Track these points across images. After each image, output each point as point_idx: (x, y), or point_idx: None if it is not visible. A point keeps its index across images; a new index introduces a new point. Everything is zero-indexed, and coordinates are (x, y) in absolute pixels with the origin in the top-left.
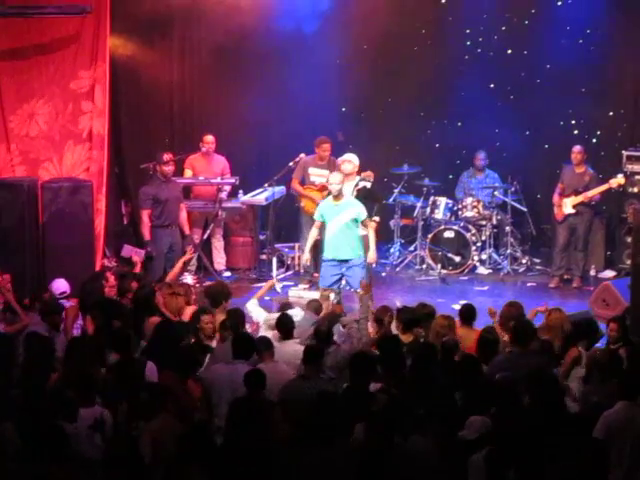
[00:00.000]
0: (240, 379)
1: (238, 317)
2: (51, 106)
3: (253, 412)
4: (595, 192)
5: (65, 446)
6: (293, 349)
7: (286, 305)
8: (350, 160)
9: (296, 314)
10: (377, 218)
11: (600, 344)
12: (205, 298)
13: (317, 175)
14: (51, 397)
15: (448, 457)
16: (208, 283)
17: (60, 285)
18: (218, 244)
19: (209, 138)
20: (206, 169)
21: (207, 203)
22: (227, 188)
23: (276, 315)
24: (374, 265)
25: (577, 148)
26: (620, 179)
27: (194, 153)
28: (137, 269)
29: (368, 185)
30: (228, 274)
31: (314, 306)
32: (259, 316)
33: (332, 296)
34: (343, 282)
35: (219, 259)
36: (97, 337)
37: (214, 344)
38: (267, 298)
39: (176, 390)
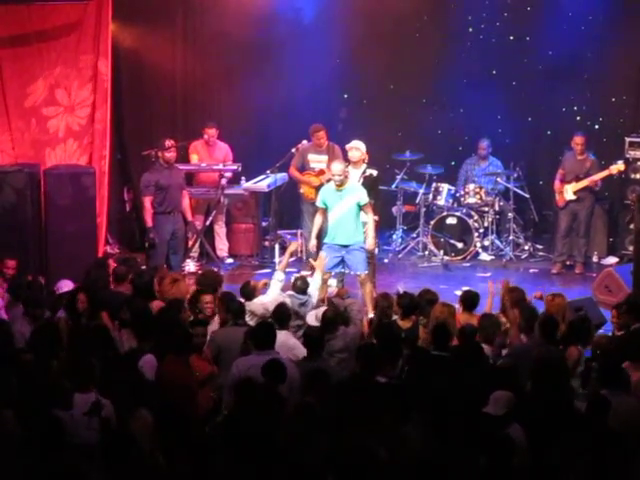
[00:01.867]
0: None
1: (241, 304)
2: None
3: (264, 398)
4: (596, 177)
5: (60, 435)
6: (281, 340)
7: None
8: (358, 147)
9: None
10: (376, 217)
11: (603, 330)
12: (199, 286)
13: (316, 161)
14: (46, 385)
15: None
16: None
17: (64, 285)
18: (220, 231)
19: (211, 131)
20: (208, 157)
21: (209, 190)
22: (228, 174)
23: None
24: (376, 252)
25: (579, 139)
26: (620, 165)
27: (197, 140)
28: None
29: (375, 173)
30: (230, 261)
31: (299, 285)
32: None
33: (334, 282)
34: (346, 269)
35: (221, 245)
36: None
37: (214, 326)
38: (268, 281)
39: (179, 374)
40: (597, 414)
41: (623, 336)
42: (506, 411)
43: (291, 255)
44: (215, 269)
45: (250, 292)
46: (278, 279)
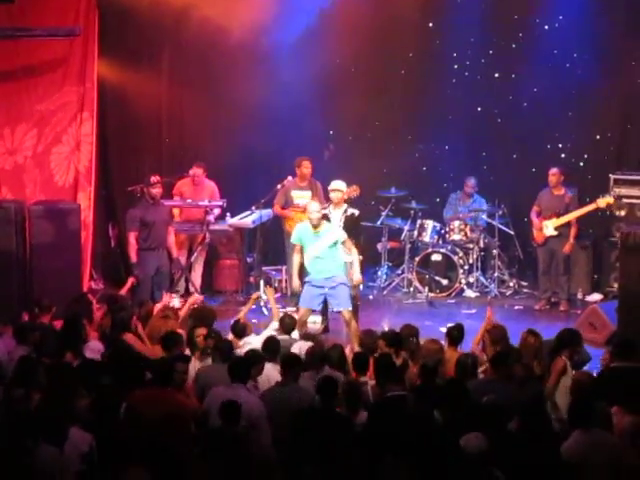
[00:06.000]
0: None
1: (229, 342)
2: None
3: (227, 444)
4: (582, 212)
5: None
6: (267, 373)
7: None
8: (339, 189)
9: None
10: (360, 257)
11: (588, 367)
12: (193, 321)
13: (300, 197)
14: (34, 417)
15: None
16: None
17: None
18: (198, 267)
19: (199, 170)
20: (194, 196)
21: (194, 225)
22: (216, 212)
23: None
24: (360, 288)
25: (553, 170)
26: (609, 198)
27: (184, 178)
28: (124, 290)
29: (356, 213)
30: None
31: (287, 322)
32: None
33: (318, 319)
34: (329, 305)
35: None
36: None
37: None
38: (254, 321)
39: (161, 406)
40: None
41: (601, 375)
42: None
43: (275, 292)
44: (209, 304)
45: (241, 330)
46: (273, 328)
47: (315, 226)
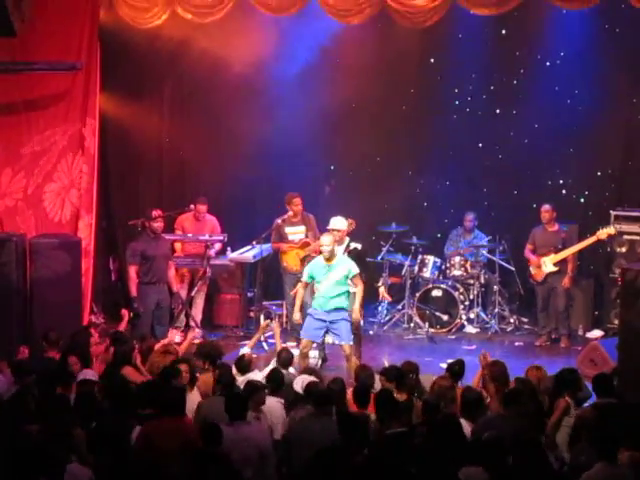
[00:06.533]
0: (250, 439)
1: (230, 375)
2: None
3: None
4: (584, 245)
5: None
6: (270, 405)
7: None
8: (338, 229)
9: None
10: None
11: (588, 404)
12: (200, 358)
13: (293, 233)
14: (33, 452)
15: None
16: (197, 341)
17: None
18: (199, 301)
19: (202, 207)
20: (196, 231)
21: (195, 260)
22: (217, 247)
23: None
24: (362, 323)
25: (545, 207)
26: (610, 229)
27: (185, 213)
28: (122, 324)
29: (359, 247)
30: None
31: (284, 356)
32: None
33: (315, 353)
34: (329, 339)
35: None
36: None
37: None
38: (254, 355)
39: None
40: None
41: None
42: None
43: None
44: (215, 339)
45: (246, 366)
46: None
47: (328, 259)
